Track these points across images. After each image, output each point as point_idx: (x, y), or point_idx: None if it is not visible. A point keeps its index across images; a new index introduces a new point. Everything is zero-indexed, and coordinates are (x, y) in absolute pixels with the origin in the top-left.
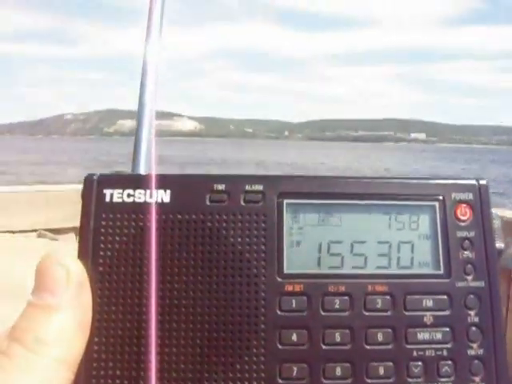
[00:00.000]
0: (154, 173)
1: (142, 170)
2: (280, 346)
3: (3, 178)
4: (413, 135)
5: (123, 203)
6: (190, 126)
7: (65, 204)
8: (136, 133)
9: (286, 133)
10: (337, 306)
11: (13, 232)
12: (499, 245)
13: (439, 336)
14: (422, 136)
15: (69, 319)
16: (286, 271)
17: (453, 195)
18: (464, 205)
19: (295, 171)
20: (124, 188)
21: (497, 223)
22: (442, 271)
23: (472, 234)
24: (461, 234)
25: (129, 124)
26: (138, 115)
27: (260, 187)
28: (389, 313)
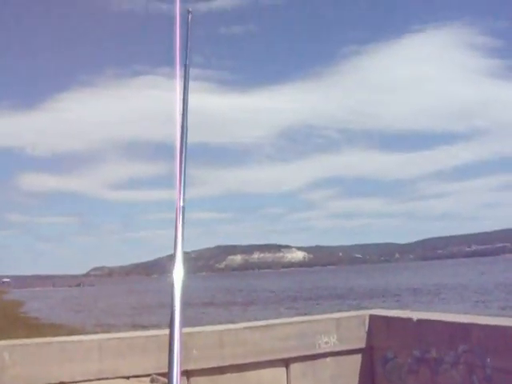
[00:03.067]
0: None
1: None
2: None
3: (119, 320)
4: None
5: None
6: (299, 256)
7: (165, 348)
8: None
9: (397, 255)
10: None
11: (127, 377)
12: None
13: None
14: None
15: None
16: None
17: None
18: None
19: (417, 297)
20: None
21: None
22: None
23: None
24: None
25: (238, 259)
26: None
27: None
28: None
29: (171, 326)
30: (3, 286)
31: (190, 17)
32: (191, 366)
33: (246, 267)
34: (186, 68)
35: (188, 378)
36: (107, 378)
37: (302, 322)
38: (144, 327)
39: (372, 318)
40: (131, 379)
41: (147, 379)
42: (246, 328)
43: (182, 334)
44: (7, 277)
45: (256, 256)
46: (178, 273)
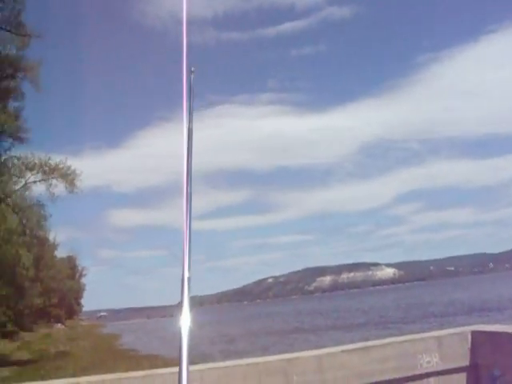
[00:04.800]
0: None
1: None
2: None
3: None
4: None
5: None
6: (389, 273)
7: (275, 375)
8: None
9: (491, 265)
10: None
11: None
12: None
13: None
14: None
15: None
16: None
17: None
18: None
19: None
20: None
21: None
22: None
23: None
24: None
25: (328, 280)
26: None
27: None
28: None
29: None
30: (100, 320)
31: (192, 76)
32: None
33: (335, 288)
34: (189, 131)
35: None
36: None
37: (402, 341)
38: (240, 354)
39: (474, 334)
40: None
41: None
42: (343, 351)
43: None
44: (103, 311)
45: (345, 276)
46: (185, 325)
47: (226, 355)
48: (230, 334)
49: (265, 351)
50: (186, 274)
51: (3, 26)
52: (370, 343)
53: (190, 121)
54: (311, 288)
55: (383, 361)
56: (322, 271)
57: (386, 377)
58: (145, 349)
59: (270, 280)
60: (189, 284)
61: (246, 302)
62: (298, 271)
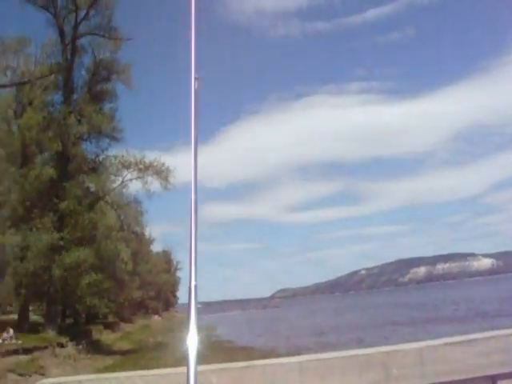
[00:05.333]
0: None
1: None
2: None
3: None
4: None
5: None
6: (486, 264)
7: (375, 368)
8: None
9: None
10: None
11: None
12: None
13: None
14: None
15: None
16: None
17: None
18: None
19: None
20: None
21: None
22: None
23: None
24: None
25: (422, 271)
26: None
27: None
28: None
29: None
30: None
31: (196, 84)
32: None
33: (430, 279)
34: (195, 139)
35: None
36: None
37: (507, 335)
38: (334, 347)
39: None
40: None
41: None
42: (446, 344)
43: None
44: (198, 303)
45: (440, 267)
46: (193, 343)
47: (321, 347)
48: (324, 326)
49: (360, 344)
50: (193, 282)
51: (97, 32)
52: (473, 336)
53: (196, 134)
54: (405, 280)
55: (488, 354)
56: (416, 262)
57: (492, 371)
58: (240, 341)
59: (363, 272)
60: (196, 292)
61: (338, 294)
62: (392, 262)
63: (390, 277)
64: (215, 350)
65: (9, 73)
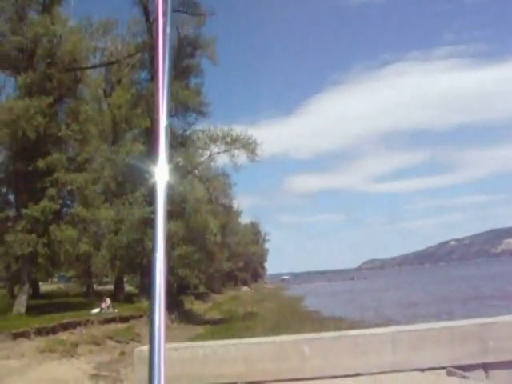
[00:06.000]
0: None
1: None
2: None
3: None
4: None
5: None
6: None
7: (470, 340)
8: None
9: None
10: None
11: (421, 370)
12: None
13: None
14: None
15: None
16: None
17: None
18: None
19: None
20: None
21: None
22: None
23: None
24: None
25: None
26: None
27: None
28: None
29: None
30: (283, 283)
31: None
32: (490, 359)
33: None
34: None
35: (486, 371)
36: (402, 371)
37: None
38: (423, 318)
39: None
40: (426, 372)
41: (443, 372)
42: None
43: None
44: (285, 274)
45: None
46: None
47: (410, 319)
48: (413, 299)
49: (450, 316)
50: (164, 122)
51: (181, 9)
52: None
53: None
54: (497, 250)
55: None
56: (509, 232)
57: None
58: (328, 311)
59: (453, 242)
60: (167, 132)
61: (427, 265)
62: (483, 233)
63: (481, 247)
64: (303, 321)
65: (98, 54)
